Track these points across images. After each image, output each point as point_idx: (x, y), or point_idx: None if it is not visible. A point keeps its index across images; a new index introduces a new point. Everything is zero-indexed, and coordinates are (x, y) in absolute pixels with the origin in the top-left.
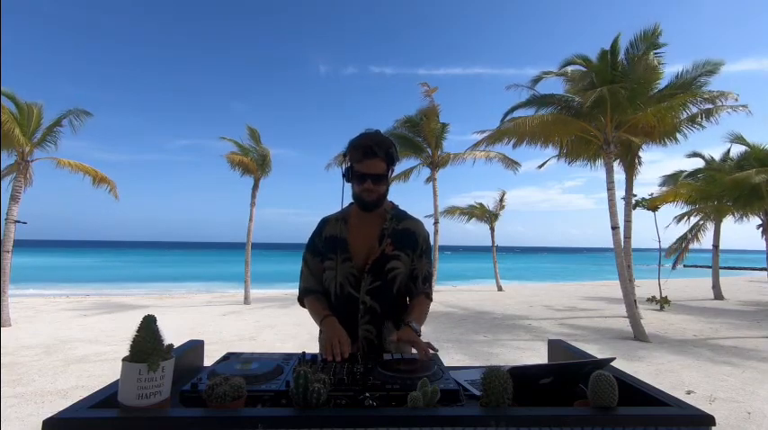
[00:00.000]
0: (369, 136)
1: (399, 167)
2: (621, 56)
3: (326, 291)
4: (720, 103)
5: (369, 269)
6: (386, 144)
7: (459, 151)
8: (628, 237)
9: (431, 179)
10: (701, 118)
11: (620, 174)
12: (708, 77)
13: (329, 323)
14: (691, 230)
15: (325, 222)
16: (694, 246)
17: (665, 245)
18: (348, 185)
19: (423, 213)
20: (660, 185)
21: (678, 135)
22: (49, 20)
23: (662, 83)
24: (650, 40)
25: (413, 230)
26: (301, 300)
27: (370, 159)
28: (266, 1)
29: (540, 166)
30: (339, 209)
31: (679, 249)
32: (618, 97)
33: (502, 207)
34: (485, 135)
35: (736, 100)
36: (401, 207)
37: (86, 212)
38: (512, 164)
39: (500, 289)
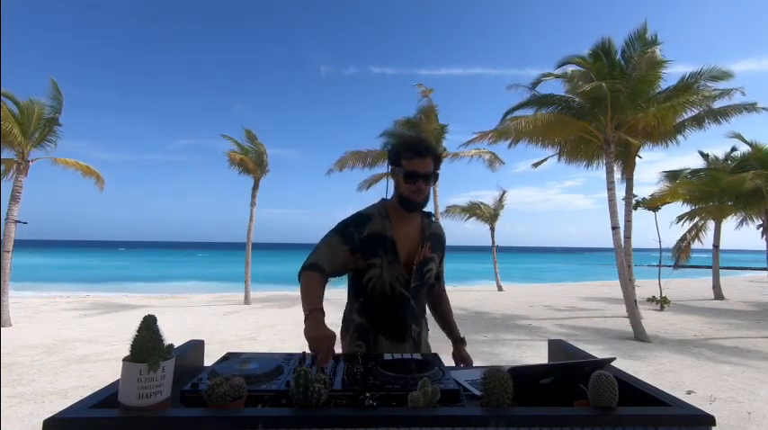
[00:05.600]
0: (418, 136)
1: None
2: (619, 56)
3: (371, 290)
4: (726, 102)
5: (414, 270)
6: (432, 145)
7: (458, 152)
8: (628, 237)
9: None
10: (706, 121)
11: (619, 174)
12: (712, 83)
13: (319, 320)
14: (690, 230)
15: (367, 217)
16: (695, 245)
17: (666, 245)
18: (387, 184)
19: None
20: (659, 182)
21: (679, 136)
22: (50, 20)
23: (665, 84)
24: (643, 38)
25: (441, 234)
26: (303, 271)
27: (421, 158)
28: (267, 2)
29: (536, 165)
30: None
31: (679, 249)
32: (618, 95)
33: (502, 206)
34: (485, 134)
35: (743, 94)
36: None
37: (87, 212)
38: (497, 160)
39: (500, 289)
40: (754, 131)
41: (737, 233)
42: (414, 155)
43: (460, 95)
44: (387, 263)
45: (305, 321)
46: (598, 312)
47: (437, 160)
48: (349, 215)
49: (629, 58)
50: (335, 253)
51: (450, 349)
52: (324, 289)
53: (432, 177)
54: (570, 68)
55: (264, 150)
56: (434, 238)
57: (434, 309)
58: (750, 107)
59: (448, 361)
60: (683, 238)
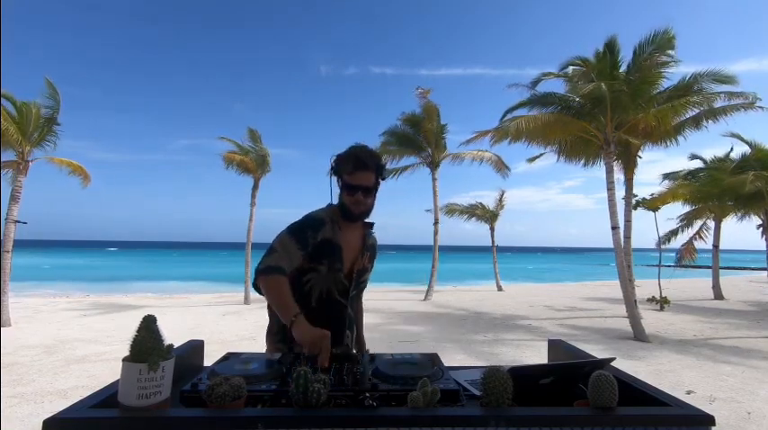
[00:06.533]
0: (359, 148)
1: (399, 165)
2: (622, 56)
3: (308, 292)
4: (728, 102)
5: (354, 278)
6: (376, 157)
7: (459, 152)
8: (628, 237)
9: (431, 165)
10: (705, 120)
11: (618, 174)
12: (714, 85)
13: (305, 322)
14: (684, 229)
15: (321, 222)
16: (697, 244)
17: (666, 245)
18: (333, 192)
19: (422, 213)
20: (660, 183)
21: (679, 136)
22: (49, 20)
23: (666, 84)
24: (659, 42)
25: (376, 246)
26: (264, 277)
27: (361, 171)
28: (267, 2)
29: (532, 160)
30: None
31: (665, 243)
32: (618, 95)
33: (502, 206)
34: (484, 132)
35: (750, 99)
36: (399, 206)
37: (86, 212)
38: (503, 167)
39: (500, 289)
40: (753, 130)
41: (738, 232)
42: (354, 169)
43: (460, 96)
44: (330, 270)
45: (292, 327)
46: (598, 312)
47: (380, 172)
48: (302, 217)
49: (637, 60)
50: (293, 257)
51: (451, 350)
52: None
53: (372, 189)
54: (572, 68)
55: (267, 153)
56: (372, 249)
57: None
58: (748, 106)
59: (447, 360)
60: (672, 232)
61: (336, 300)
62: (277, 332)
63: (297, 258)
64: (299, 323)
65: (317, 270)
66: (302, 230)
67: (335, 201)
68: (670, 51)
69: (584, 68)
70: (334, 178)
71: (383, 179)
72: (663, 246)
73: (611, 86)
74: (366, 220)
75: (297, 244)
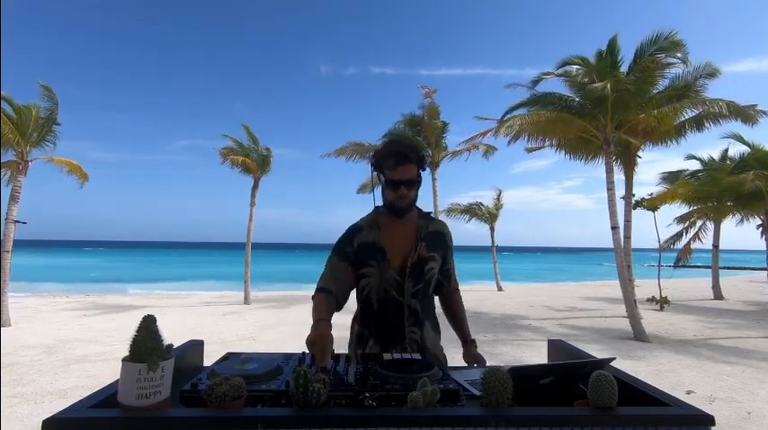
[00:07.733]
0: (398, 142)
1: None
2: (622, 55)
3: (366, 297)
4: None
5: (410, 272)
6: (416, 148)
7: (458, 149)
8: (627, 236)
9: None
10: (706, 123)
11: (618, 174)
12: (707, 80)
13: (321, 326)
14: (687, 229)
15: (358, 229)
16: (695, 245)
17: (675, 247)
18: (373, 192)
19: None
20: (659, 184)
21: (680, 137)
22: (49, 21)
23: (664, 82)
24: (662, 44)
25: (442, 232)
26: (314, 295)
27: (402, 166)
28: (267, 2)
29: (530, 150)
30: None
31: (670, 247)
32: (621, 95)
33: (500, 205)
34: (484, 133)
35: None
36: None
37: (86, 213)
38: (490, 149)
39: (500, 289)
40: (755, 134)
41: (737, 233)
42: (395, 164)
43: (461, 96)
44: (380, 269)
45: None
46: (598, 312)
47: (420, 162)
48: (344, 231)
49: (639, 60)
50: (336, 273)
51: (452, 350)
52: (332, 305)
53: (415, 182)
54: (574, 68)
55: (270, 153)
56: (433, 237)
57: (445, 310)
58: (757, 112)
59: (447, 360)
60: (678, 235)
61: (393, 298)
62: (351, 341)
63: (342, 270)
64: (313, 327)
65: (367, 275)
66: (340, 243)
67: (379, 202)
68: (679, 54)
69: (584, 67)
70: (374, 179)
71: (424, 170)
72: (667, 248)
73: (616, 85)
74: (423, 211)
75: (338, 257)
